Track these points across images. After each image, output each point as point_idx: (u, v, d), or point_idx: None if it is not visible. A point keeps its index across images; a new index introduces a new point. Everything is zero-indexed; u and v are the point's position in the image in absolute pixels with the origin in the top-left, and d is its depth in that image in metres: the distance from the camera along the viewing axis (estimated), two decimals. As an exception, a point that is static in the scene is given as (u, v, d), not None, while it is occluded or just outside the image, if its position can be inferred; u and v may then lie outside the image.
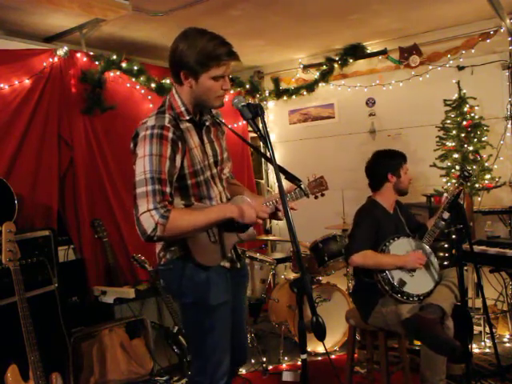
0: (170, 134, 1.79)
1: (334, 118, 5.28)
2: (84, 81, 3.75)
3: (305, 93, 5.22)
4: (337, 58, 4.97)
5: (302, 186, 1.93)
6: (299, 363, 3.55)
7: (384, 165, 2.90)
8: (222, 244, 1.95)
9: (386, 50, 4.75)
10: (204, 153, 1.93)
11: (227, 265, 2.00)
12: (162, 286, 3.24)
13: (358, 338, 3.36)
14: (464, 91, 4.03)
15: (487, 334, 3.61)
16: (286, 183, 1.68)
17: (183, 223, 1.76)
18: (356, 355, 3.28)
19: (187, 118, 1.89)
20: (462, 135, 3.96)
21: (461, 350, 2.37)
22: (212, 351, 1.92)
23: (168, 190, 1.77)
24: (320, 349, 3.68)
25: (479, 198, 4.02)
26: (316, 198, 2.18)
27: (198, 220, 1.80)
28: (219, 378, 1.92)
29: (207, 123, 1.99)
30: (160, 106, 1.92)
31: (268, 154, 1.65)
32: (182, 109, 1.87)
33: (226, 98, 1.98)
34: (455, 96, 4.05)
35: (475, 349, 3.52)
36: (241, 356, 2.20)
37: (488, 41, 4.27)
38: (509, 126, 4.18)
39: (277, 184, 1.62)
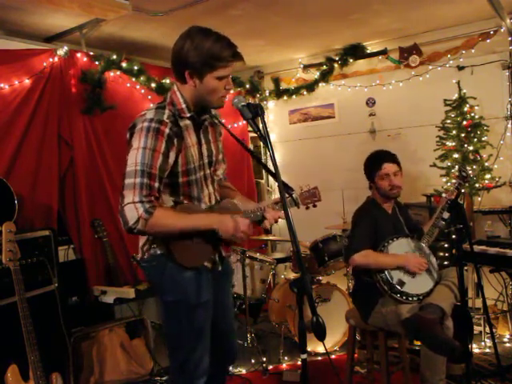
0: (167, 130, 1.79)
1: (334, 117, 5.28)
2: (84, 81, 3.75)
3: (305, 93, 5.21)
4: (337, 58, 4.96)
5: (294, 195, 1.93)
6: (299, 363, 3.54)
7: (364, 170, 2.96)
8: (205, 245, 1.93)
9: (386, 50, 4.75)
10: (200, 152, 1.93)
11: (208, 265, 1.98)
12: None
13: (358, 337, 3.36)
14: (464, 91, 4.02)
15: (487, 333, 3.61)
16: (278, 192, 1.66)
17: (166, 223, 1.77)
18: (356, 355, 3.27)
19: (188, 115, 1.89)
20: (462, 135, 3.96)
21: (460, 350, 2.36)
22: (191, 350, 1.91)
23: (156, 185, 1.77)
24: (320, 349, 3.67)
25: (479, 198, 4.02)
26: (307, 208, 2.15)
27: (182, 224, 1.80)
28: (199, 375, 1.93)
29: (206, 123, 1.99)
30: (161, 101, 1.92)
31: (268, 154, 1.65)
32: (184, 106, 1.88)
33: (226, 98, 1.98)
34: (455, 96, 4.04)
35: (475, 349, 3.52)
36: (230, 355, 2.20)
37: (488, 41, 4.27)
38: (509, 125, 4.18)
39: (277, 184, 1.62)
